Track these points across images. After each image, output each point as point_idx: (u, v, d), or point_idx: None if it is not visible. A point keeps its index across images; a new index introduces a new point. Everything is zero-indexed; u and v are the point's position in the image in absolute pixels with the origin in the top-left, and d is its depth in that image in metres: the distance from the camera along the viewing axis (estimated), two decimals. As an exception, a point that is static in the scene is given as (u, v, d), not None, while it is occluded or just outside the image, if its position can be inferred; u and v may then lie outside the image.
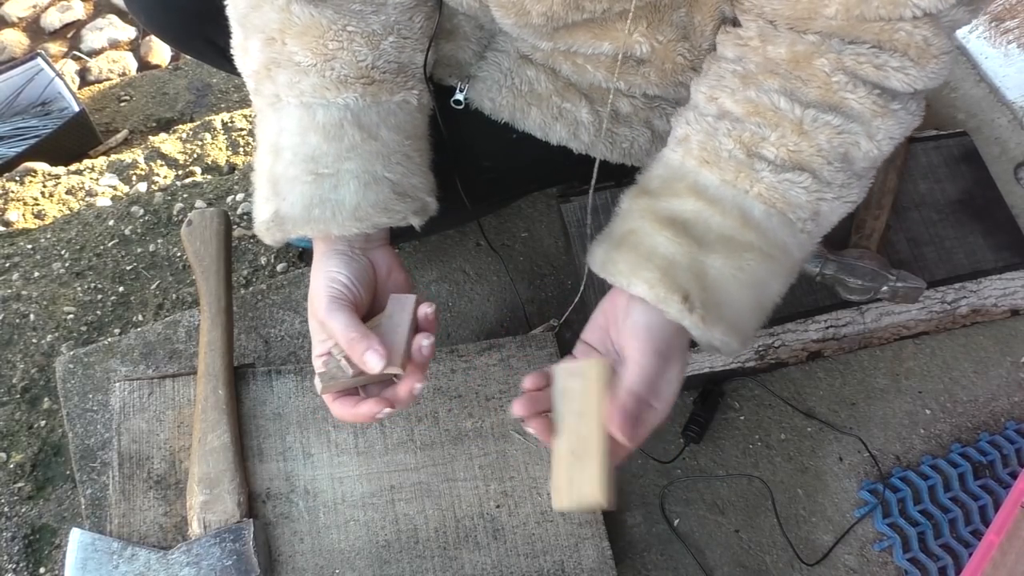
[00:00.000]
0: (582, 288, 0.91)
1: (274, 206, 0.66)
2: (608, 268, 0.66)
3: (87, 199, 1.25)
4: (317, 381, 0.63)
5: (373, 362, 0.59)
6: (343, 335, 0.60)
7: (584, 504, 0.58)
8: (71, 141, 1.60)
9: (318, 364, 0.64)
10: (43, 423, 0.97)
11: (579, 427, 0.60)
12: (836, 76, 0.63)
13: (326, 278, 0.65)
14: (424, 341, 0.62)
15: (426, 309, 0.64)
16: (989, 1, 0.75)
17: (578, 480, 0.59)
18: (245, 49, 0.69)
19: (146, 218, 1.16)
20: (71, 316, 1.06)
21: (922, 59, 0.62)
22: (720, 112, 0.68)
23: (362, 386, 0.65)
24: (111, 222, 1.16)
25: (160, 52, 1.98)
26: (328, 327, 0.62)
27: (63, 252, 1.13)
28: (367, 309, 0.66)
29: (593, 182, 0.78)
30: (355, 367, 0.61)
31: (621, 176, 0.95)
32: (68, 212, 1.23)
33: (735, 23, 0.71)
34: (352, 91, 0.67)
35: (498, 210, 1.10)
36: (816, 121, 0.64)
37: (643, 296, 0.63)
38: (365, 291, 0.66)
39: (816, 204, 0.66)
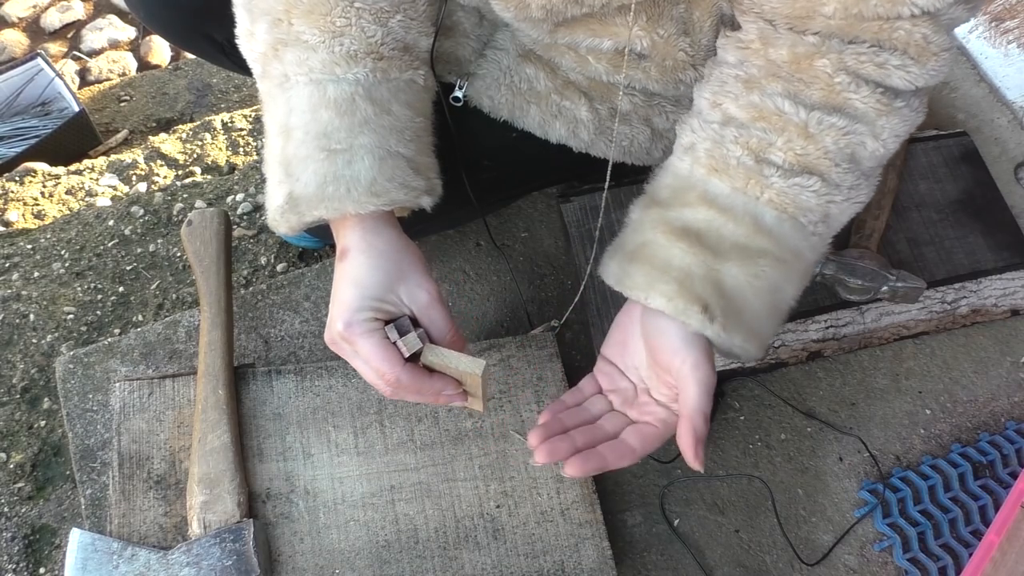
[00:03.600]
0: (582, 288, 0.92)
1: (287, 188, 0.65)
2: (624, 282, 0.66)
3: (87, 199, 1.25)
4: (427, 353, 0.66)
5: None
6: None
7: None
8: (71, 141, 1.60)
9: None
10: (43, 423, 0.97)
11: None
12: (838, 77, 0.63)
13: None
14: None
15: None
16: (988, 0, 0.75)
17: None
18: (251, 33, 0.68)
19: (146, 218, 1.16)
20: (71, 316, 1.06)
21: (922, 57, 0.62)
22: (725, 118, 0.68)
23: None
24: (111, 222, 1.16)
25: (160, 52, 1.98)
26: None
27: (63, 252, 1.13)
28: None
29: (607, 182, 0.78)
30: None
31: (620, 176, 0.95)
32: (68, 212, 1.23)
33: (735, 26, 0.71)
34: (362, 66, 0.65)
35: (498, 210, 1.10)
36: (821, 123, 0.64)
37: (662, 309, 0.63)
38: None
39: (826, 207, 0.66)
